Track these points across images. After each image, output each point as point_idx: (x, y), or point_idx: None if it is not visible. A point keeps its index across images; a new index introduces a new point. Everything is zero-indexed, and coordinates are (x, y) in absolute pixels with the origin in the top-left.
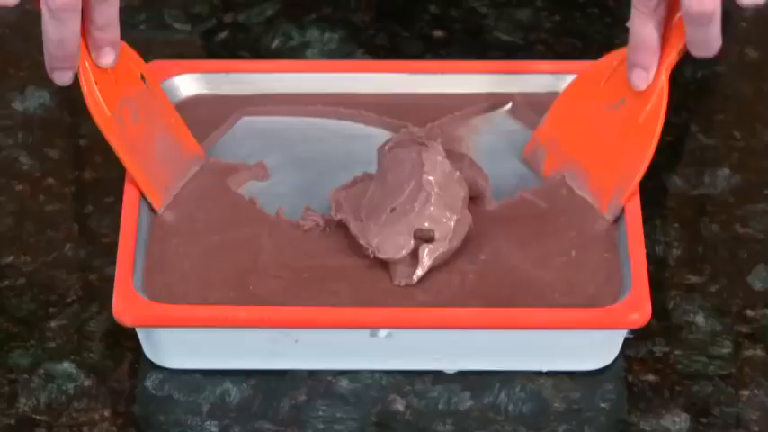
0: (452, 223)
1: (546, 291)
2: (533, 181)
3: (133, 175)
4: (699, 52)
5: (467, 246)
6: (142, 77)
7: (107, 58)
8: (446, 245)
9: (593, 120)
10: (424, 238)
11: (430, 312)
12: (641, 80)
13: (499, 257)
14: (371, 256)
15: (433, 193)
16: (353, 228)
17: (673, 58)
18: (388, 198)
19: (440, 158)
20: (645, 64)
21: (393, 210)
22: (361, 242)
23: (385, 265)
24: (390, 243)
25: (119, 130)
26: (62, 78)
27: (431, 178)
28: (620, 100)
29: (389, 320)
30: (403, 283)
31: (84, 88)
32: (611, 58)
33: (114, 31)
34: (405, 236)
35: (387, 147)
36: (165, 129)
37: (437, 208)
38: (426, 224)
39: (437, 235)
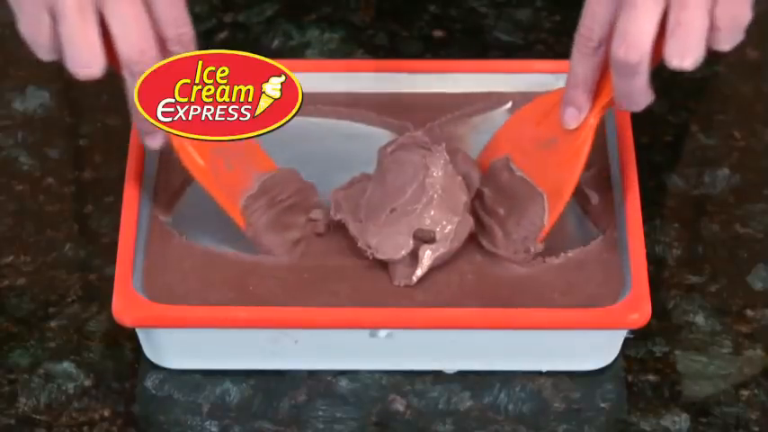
0: (454, 225)
1: (545, 291)
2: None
3: (229, 212)
4: (624, 104)
5: (466, 246)
6: None
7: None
8: (447, 245)
9: (528, 152)
10: (424, 238)
11: (430, 312)
12: (572, 119)
13: (498, 257)
14: (370, 257)
15: (436, 195)
16: (352, 228)
17: (606, 103)
18: (388, 199)
19: (443, 162)
20: (578, 104)
21: (393, 210)
22: (360, 244)
23: (385, 265)
24: (389, 243)
25: (214, 179)
26: (156, 142)
27: (434, 181)
28: (552, 138)
29: (389, 321)
30: (402, 284)
31: (176, 143)
32: (551, 98)
33: None
34: (404, 236)
35: (389, 149)
36: (255, 168)
37: (439, 210)
38: (427, 223)
39: (438, 236)
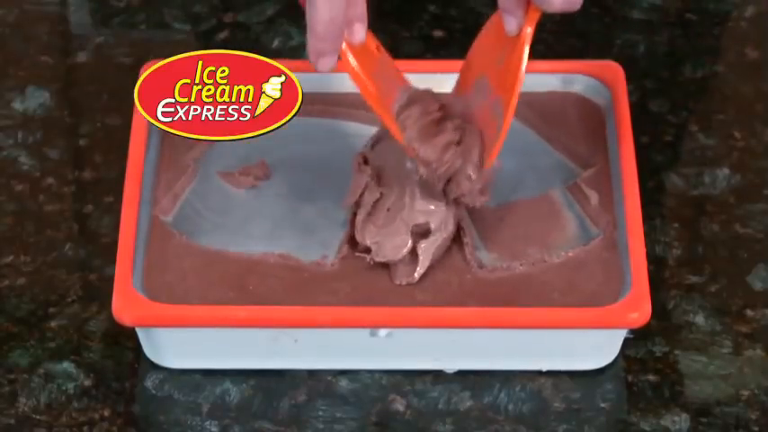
0: (442, 211)
1: (545, 290)
2: (533, 180)
3: (387, 124)
4: (541, 4)
5: (466, 246)
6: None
7: (359, 35)
8: (441, 236)
9: (489, 69)
10: (420, 232)
11: (430, 312)
12: (511, 25)
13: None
14: (370, 262)
15: (416, 184)
16: (358, 227)
17: (535, 8)
18: (385, 196)
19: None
20: (511, 9)
21: (389, 210)
22: (357, 254)
23: (385, 264)
24: (388, 245)
25: (384, 106)
26: (329, 64)
27: (411, 165)
28: (501, 55)
29: (389, 320)
30: (404, 282)
31: (347, 69)
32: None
33: (362, 6)
34: (402, 235)
35: (369, 145)
36: (397, 83)
37: (424, 199)
38: (419, 215)
39: (432, 226)
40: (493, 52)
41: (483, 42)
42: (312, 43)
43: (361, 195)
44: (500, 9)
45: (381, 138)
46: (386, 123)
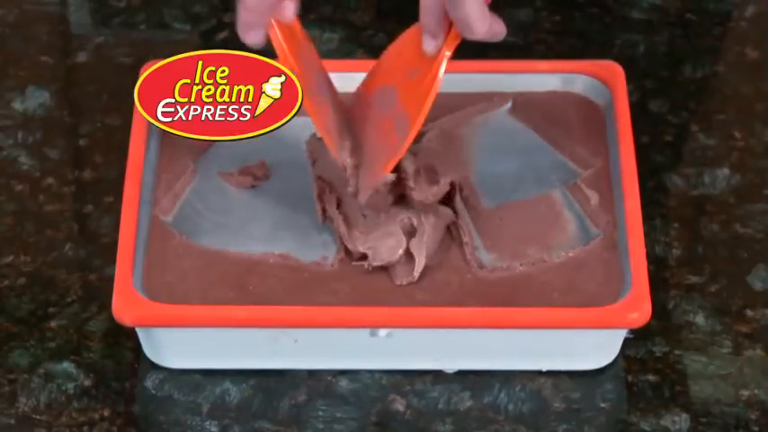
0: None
1: (545, 290)
2: (533, 180)
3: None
4: (463, 31)
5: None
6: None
7: (288, 12)
8: (426, 229)
9: (399, 81)
10: (408, 231)
11: (429, 312)
12: (430, 46)
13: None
14: (369, 268)
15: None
16: (343, 232)
17: (455, 33)
18: (347, 202)
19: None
20: (432, 31)
21: (365, 216)
22: (354, 263)
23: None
24: (383, 247)
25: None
26: (256, 37)
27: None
28: (416, 68)
29: (389, 320)
30: (405, 282)
31: (278, 41)
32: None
33: None
34: (395, 237)
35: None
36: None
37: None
38: (404, 211)
39: (414, 222)
40: (407, 65)
41: (399, 51)
42: (242, 15)
43: (324, 210)
44: (421, 27)
45: (317, 151)
46: (308, 109)
